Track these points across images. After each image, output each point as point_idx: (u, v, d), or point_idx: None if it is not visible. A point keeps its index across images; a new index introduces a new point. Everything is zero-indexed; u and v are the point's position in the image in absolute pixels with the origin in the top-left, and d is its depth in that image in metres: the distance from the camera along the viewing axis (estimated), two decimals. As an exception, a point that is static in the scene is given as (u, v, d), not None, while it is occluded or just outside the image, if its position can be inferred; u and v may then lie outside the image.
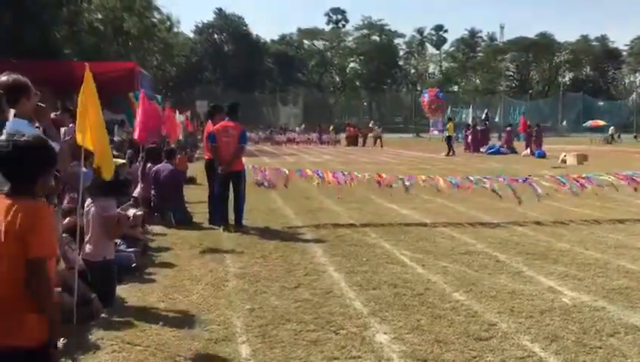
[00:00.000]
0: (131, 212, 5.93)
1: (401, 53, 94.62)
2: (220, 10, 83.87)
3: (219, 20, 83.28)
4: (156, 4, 50.12)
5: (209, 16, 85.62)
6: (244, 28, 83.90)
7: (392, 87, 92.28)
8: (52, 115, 11.24)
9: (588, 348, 4.14)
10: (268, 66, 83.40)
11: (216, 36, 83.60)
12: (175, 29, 66.16)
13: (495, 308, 5.02)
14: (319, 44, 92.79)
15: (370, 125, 44.00)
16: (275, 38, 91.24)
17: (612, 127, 50.80)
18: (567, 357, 3.98)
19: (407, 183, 9.67)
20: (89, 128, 4.32)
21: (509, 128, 33.07)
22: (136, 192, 8.75)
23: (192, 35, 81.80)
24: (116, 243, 5.76)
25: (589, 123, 56.97)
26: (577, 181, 9.68)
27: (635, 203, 11.35)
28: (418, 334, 4.39)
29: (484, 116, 40.88)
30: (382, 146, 35.29)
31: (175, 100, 43.21)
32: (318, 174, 9.93)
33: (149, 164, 9.24)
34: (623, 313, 4.89)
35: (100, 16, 41.77)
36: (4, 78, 3.96)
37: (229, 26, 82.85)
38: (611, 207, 10.86)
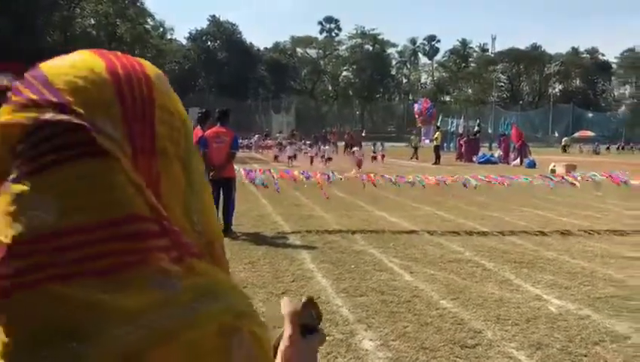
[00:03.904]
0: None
1: (394, 62, 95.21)
2: (213, 17, 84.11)
3: (212, 27, 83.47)
4: (150, 10, 50.20)
5: (203, 24, 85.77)
6: (238, 35, 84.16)
7: (385, 96, 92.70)
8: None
9: (573, 356, 4.15)
10: (261, 74, 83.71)
11: (209, 43, 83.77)
12: (169, 36, 66.28)
13: (482, 315, 5.03)
14: (312, 52, 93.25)
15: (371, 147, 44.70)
16: (269, 45, 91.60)
17: (565, 138, 51.57)
18: (551, 364, 3.99)
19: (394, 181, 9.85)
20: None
21: (504, 137, 33.29)
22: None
23: (185, 42, 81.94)
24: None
25: (578, 134, 57.47)
26: (565, 178, 9.94)
27: (621, 213, 11.44)
28: (404, 341, 4.39)
29: (476, 127, 41.10)
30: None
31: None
32: (305, 175, 9.98)
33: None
34: (608, 321, 4.91)
35: (92, 21, 41.77)
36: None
37: (222, 33, 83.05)
38: (598, 216, 10.94)
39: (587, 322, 4.88)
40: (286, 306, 0.89)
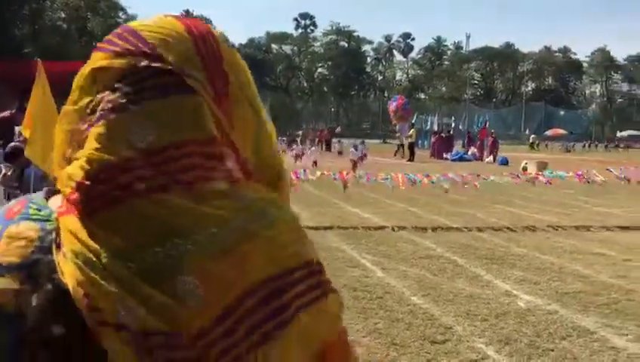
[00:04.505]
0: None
1: (369, 59, 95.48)
2: (187, 12, 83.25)
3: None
4: (122, 4, 49.49)
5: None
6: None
7: (360, 93, 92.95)
8: (7, 113, 10.97)
9: (540, 350, 4.20)
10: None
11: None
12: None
13: (452, 311, 5.07)
14: (287, 48, 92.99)
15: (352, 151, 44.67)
16: (244, 41, 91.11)
17: (532, 136, 52.16)
18: (519, 359, 4.04)
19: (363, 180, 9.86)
20: (30, 117, 4.21)
21: (469, 134, 33.70)
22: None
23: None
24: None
25: (550, 131, 58.39)
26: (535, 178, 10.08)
27: (591, 209, 11.64)
28: (375, 337, 4.39)
29: (452, 124, 41.50)
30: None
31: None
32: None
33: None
34: (576, 316, 4.98)
35: (63, 15, 41.03)
36: None
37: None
38: (568, 213, 11.11)
39: (555, 317, 4.94)
40: None
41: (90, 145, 0.64)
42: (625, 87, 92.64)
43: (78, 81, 0.69)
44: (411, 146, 29.75)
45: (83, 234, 0.61)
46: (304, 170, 10.32)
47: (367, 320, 4.78)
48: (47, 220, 0.67)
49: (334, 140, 39.89)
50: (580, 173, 10.91)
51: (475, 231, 8.91)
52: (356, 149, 23.36)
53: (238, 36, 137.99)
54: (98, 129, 0.64)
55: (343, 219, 9.82)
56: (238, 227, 0.62)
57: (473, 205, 11.79)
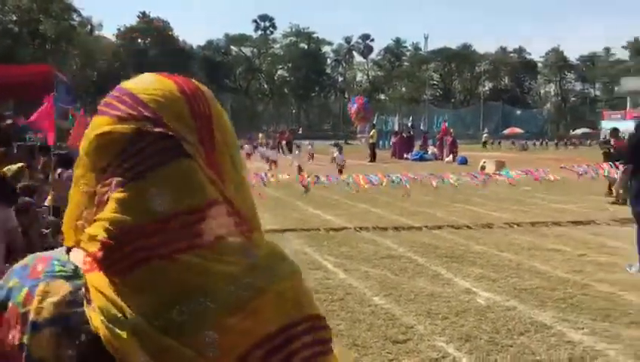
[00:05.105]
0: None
1: (329, 61, 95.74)
2: (144, 13, 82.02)
3: (143, 24, 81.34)
4: (76, 6, 48.35)
5: (132, 20, 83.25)
6: (170, 33, 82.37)
7: (321, 94, 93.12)
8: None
9: (499, 346, 4.26)
10: (194, 72, 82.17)
11: (140, 40, 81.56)
12: (97, 33, 64.07)
13: (413, 310, 5.10)
14: (247, 50, 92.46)
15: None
16: (202, 43, 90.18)
17: (485, 135, 52.61)
18: (479, 356, 4.09)
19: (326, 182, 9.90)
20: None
21: (439, 136, 33.89)
22: (48, 201, 8.30)
23: (114, 39, 79.47)
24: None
25: (507, 130, 59.60)
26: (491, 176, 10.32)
27: (548, 206, 11.92)
28: (336, 339, 4.37)
29: (410, 124, 41.95)
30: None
31: (96, 106, 41.76)
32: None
33: (59, 170, 8.77)
34: (533, 312, 5.08)
35: (14, 17, 39.85)
36: None
37: (153, 30, 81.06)
38: (525, 210, 11.35)
39: (513, 313, 5.02)
40: None
41: (112, 208, 0.69)
42: (578, 86, 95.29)
43: (84, 146, 0.75)
44: (372, 147, 29.94)
45: (109, 292, 0.67)
46: (265, 173, 10.26)
47: (328, 322, 4.75)
48: (75, 276, 0.72)
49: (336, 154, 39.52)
50: (536, 172, 11.14)
51: (436, 230, 9.01)
52: (340, 152, 22.31)
53: (196, 38, 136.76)
54: (119, 194, 0.70)
55: (304, 221, 9.80)
56: (249, 283, 0.69)
57: (433, 204, 11.93)
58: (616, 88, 76.79)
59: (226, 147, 0.77)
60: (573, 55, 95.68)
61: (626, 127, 18.52)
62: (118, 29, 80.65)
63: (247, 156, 25.70)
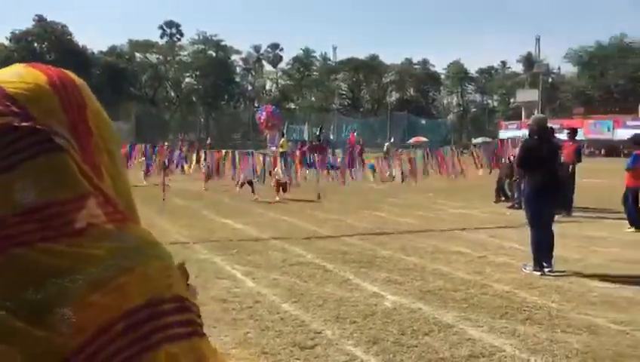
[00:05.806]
0: None
1: (238, 69, 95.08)
2: (40, 17, 77.87)
3: (39, 28, 77.15)
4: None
5: (28, 24, 78.74)
6: (69, 37, 78.65)
7: (230, 103, 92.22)
8: None
9: (405, 347, 4.36)
10: (95, 78, 78.86)
11: (36, 45, 77.27)
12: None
13: (322, 316, 5.12)
14: (153, 57, 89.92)
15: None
16: (104, 49, 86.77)
17: (387, 143, 54.52)
18: (385, 357, 4.16)
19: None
20: None
21: (348, 146, 34.49)
22: None
23: (7, 43, 74.87)
24: None
25: (412, 140, 61.72)
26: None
27: (449, 211, 12.41)
28: (245, 347, 4.31)
29: (318, 132, 42.41)
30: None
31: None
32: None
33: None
34: (437, 312, 5.24)
35: None
36: None
37: (51, 34, 77.09)
38: (429, 216, 11.75)
39: (418, 315, 5.16)
40: None
41: None
42: (478, 97, 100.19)
43: None
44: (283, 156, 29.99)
45: None
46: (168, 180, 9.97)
47: (237, 330, 4.69)
48: None
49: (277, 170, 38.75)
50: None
51: (345, 237, 9.13)
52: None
53: (98, 43, 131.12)
54: None
55: (213, 231, 9.62)
56: (114, 264, 0.70)
57: (342, 211, 12.09)
58: (512, 100, 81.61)
59: (102, 140, 0.78)
60: (473, 67, 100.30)
61: (522, 135, 19.75)
62: (12, 33, 76.09)
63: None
